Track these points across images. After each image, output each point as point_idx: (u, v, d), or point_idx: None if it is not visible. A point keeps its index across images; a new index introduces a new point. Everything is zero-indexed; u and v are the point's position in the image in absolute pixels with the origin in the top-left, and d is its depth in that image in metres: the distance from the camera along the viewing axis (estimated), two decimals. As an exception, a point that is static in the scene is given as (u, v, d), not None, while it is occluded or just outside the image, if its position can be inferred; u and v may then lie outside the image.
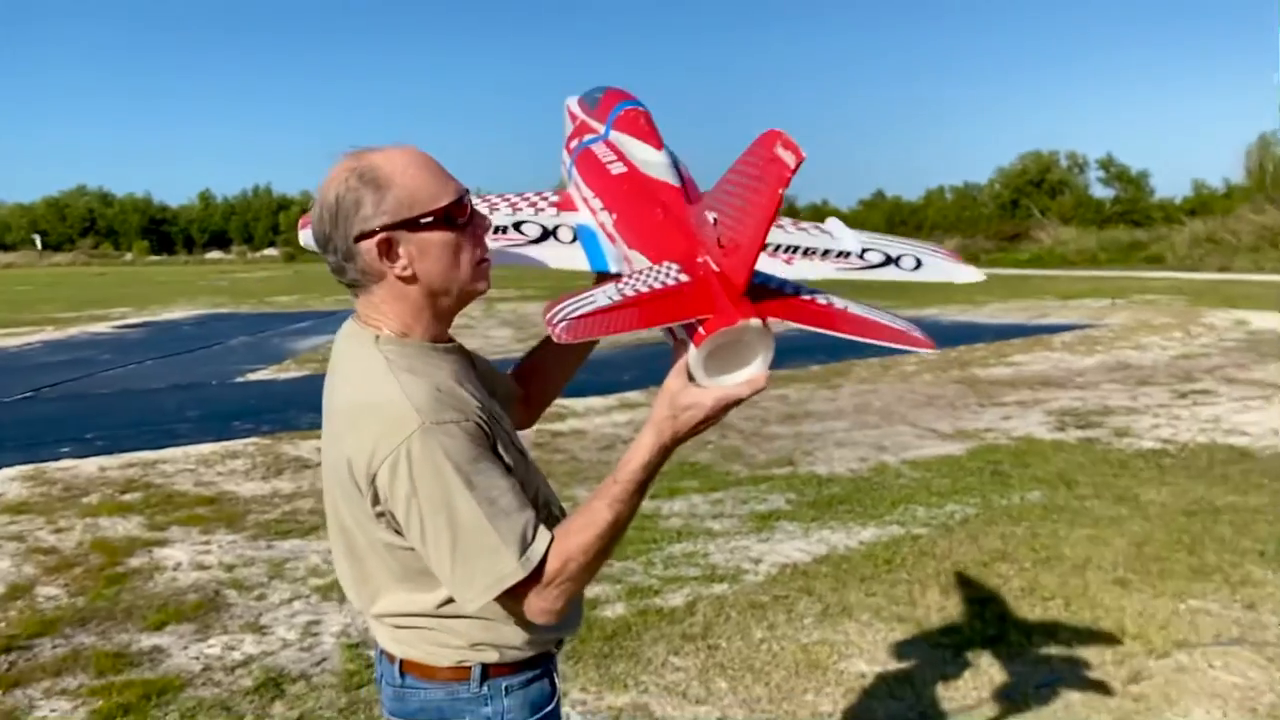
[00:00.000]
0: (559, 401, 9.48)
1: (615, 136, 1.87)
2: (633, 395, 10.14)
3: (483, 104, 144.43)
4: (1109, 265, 36.36)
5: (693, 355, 1.36)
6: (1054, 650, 3.93)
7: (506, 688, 1.57)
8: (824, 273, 1.76)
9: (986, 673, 3.74)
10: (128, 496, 6.51)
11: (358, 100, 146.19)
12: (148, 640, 4.23)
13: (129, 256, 75.39)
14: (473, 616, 1.51)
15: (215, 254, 71.43)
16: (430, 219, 1.49)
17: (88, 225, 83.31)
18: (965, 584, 4.74)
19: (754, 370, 1.39)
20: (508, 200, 1.92)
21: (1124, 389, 10.26)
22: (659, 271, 1.46)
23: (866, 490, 6.51)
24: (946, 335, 15.29)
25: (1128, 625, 4.13)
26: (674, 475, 6.93)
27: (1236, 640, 3.97)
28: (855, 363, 12.21)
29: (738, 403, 1.39)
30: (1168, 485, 6.45)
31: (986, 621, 4.25)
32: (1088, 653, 3.87)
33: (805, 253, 1.80)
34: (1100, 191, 65.57)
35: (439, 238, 1.50)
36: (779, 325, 1.41)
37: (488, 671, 1.56)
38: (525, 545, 1.41)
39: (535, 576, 1.41)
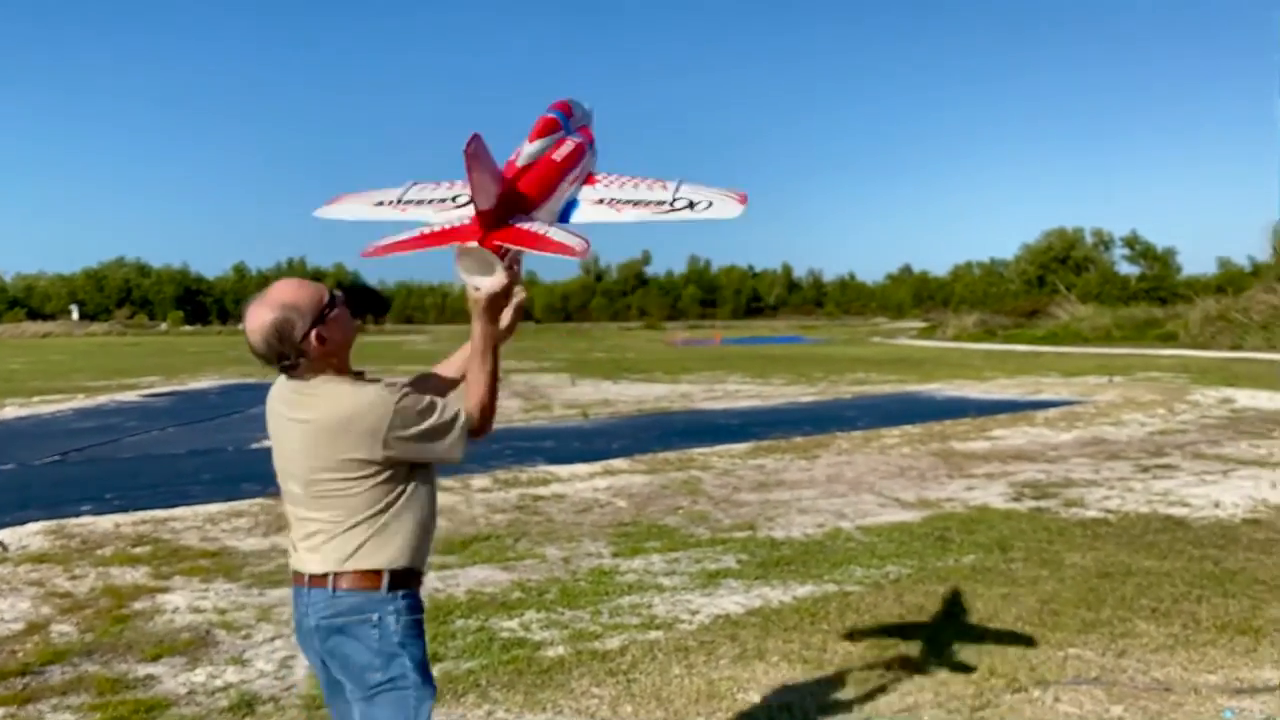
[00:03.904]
0: (544, 468, 10.12)
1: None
2: (617, 462, 10.72)
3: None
4: (1123, 342, 36.72)
5: (455, 267, 2.45)
6: (926, 685, 4.44)
7: (402, 594, 2.47)
8: (643, 216, 2.64)
9: (860, 703, 4.26)
10: (138, 549, 7.15)
11: (390, 175, 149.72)
12: (143, 669, 4.83)
13: (163, 326, 76.98)
14: (383, 545, 2.43)
15: (248, 325, 72.63)
16: (327, 309, 2.46)
17: (124, 295, 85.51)
18: (876, 634, 5.25)
19: (496, 276, 2.42)
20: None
21: (1091, 463, 10.73)
22: (459, 218, 2.53)
23: (815, 553, 7.03)
24: (938, 410, 15.84)
25: (1000, 667, 4.63)
26: (640, 537, 7.51)
27: (1092, 680, 4.47)
28: (838, 435, 12.77)
29: (501, 296, 2.45)
30: (1094, 551, 6.94)
31: (880, 664, 4.76)
32: (954, 688, 4.38)
33: (635, 204, 2.67)
34: (1126, 268, 66.29)
35: (338, 317, 2.48)
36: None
37: (394, 579, 2.45)
38: (461, 411, 2.47)
39: (469, 423, 2.47)
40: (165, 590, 6.17)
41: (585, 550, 7.13)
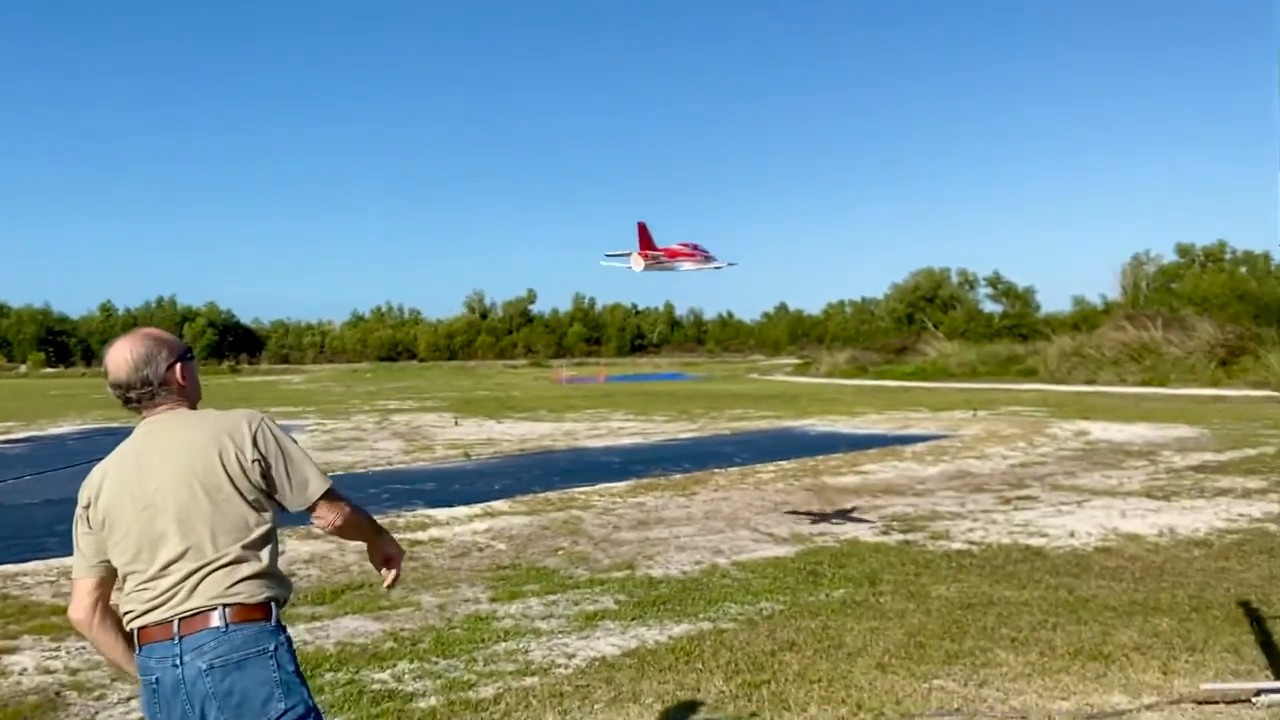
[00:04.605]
0: (423, 512, 10.00)
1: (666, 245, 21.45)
2: (498, 504, 10.64)
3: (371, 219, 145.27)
4: (987, 377, 38.25)
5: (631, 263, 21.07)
6: (796, 722, 4.53)
7: (283, 625, 2.56)
8: (696, 265, 21.62)
9: (732, 742, 4.32)
10: (-16, 608, 6.76)
11: (261, 216, 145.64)
12: (-15, 738, 4.56)
13: (23, 368, 73.27)
14: (266, 576, 2.51)
15: (112, 365, 69.80)
16: (189, 355, 2.69)
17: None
18: (750, 670, 5.32)
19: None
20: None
21: (956, 495, 11.12)
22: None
23: (692, 590, 7.10)
24: (812, 445, 16.19)
25: (868, 701, 4.76)
26: (518, 580, 7.45)
27: (954, 711, 4.63)
28: (716, 472, 12.94)
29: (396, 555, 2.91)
30: (959, 582, 7.18)
31: (752, 701, 4.83)
32: (822, 723, 4.48)
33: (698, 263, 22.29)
34: (990, 306, 69.24)
35: (193, 365, 2.70)
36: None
37: (277, 610, 2.54)
38: (325, 475, 2.61)
39: (332, 492, 2.59)
40: (12, 650, 5.85)
41: (462, 596, 7.05)
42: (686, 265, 20.19)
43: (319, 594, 6.99)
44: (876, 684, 5.04)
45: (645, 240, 19.12)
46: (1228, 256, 55.58)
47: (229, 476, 2.50)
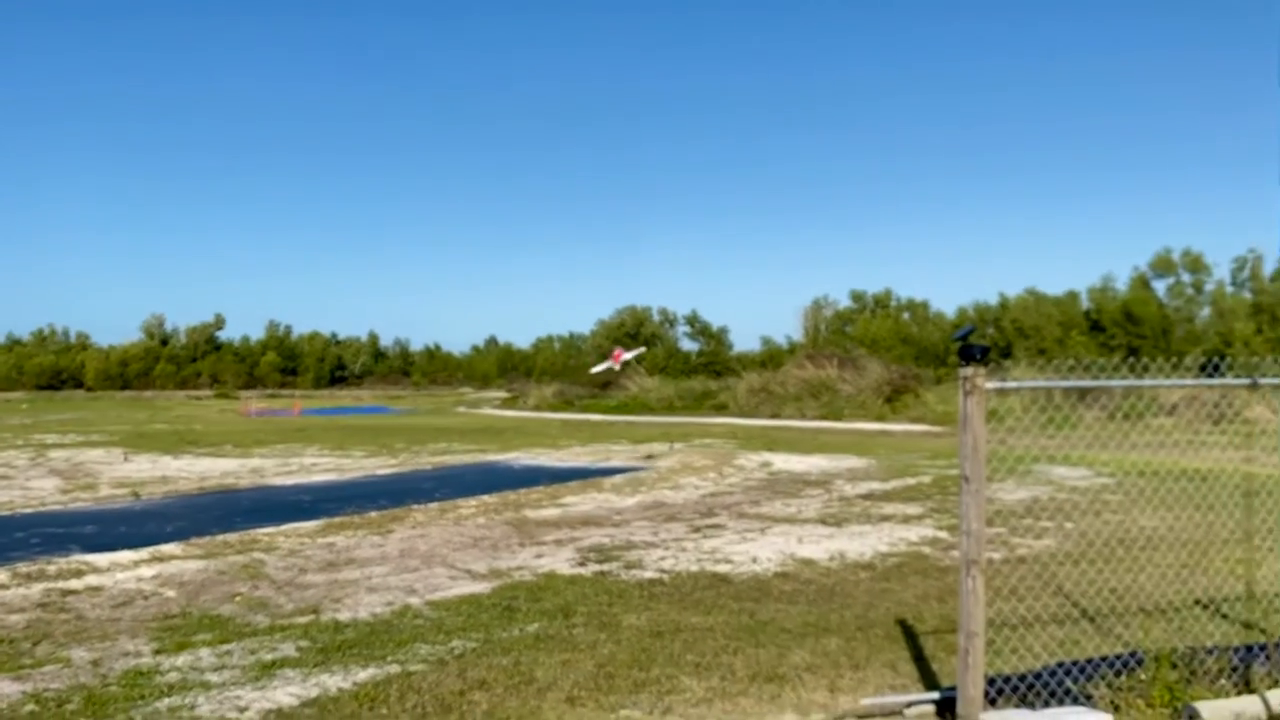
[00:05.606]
0: (79, 557, 9.02)
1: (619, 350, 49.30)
2: (169, 547, 9.79)
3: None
4: (684, 411, 39.99)
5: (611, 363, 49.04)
6: (482, 764, 4.42)
7: None
8: (633, 353, 50.92)
9: (414, 791, 4.15)
10: None
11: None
12: None
13: None
14: None
15: None
16: None
17: None
18: (437, 712, 5.16)
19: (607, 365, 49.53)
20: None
21: (651, 525, 11.44)
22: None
23: (381, 633, 6.81)
24: (515, 479, 16.18)
25: (556, 736, 4.74)
26: (188, 630, 6.86)
27: (638, 740, 4.70)
28: (414, 508, 12.60)
29: None
30: (649, 610, 7.35)
31: (438, 745, 4.68)
32: (508, 763, 4.41)
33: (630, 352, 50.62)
34: (688, 344, 72.64)
35: None
36: None
37: None
38: None
39: None
40: None
41: (121, 650, 6.38)
42: (625, 356, 37.90)
43: (-57, 656, 6.10)
44: (565, 718, 5.03)
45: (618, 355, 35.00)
46: (893, 303, 61.35)
47: None
